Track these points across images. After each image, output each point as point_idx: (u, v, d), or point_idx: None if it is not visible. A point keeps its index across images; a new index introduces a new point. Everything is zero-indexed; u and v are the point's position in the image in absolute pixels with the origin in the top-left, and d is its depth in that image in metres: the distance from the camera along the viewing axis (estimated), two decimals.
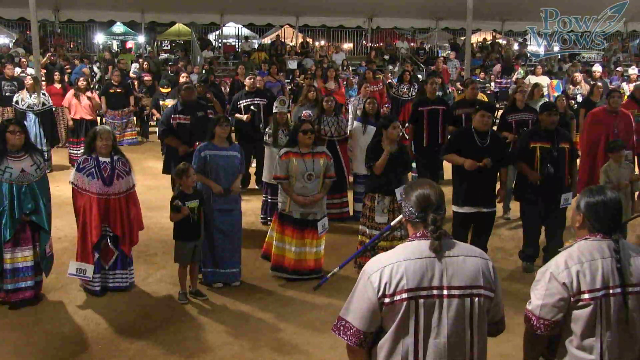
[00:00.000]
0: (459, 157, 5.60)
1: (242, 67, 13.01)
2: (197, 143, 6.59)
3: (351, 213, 7.67)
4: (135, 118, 12.81)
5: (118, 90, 11.67)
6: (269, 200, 7.30)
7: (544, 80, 13.68)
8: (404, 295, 2.25)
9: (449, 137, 6.04)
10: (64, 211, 6.45)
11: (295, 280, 5.64)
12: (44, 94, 9.94)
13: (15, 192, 4.93)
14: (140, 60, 16.61)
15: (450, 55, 19.22)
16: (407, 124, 8.07)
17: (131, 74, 15.04)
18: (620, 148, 6.13)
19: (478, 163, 5.47)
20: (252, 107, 8.51)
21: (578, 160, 6.77)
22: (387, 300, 2.26)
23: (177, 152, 6.90)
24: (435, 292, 2.27)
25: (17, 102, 9.75)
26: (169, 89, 11.95)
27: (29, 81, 9.80)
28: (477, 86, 8.52)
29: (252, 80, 8.78)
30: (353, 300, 2.34)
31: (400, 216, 3.58)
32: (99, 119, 11.08)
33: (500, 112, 9.33)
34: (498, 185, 5.97)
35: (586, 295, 2.44)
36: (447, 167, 7.36)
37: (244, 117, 8.46)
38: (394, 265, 2.28)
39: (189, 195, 5.22)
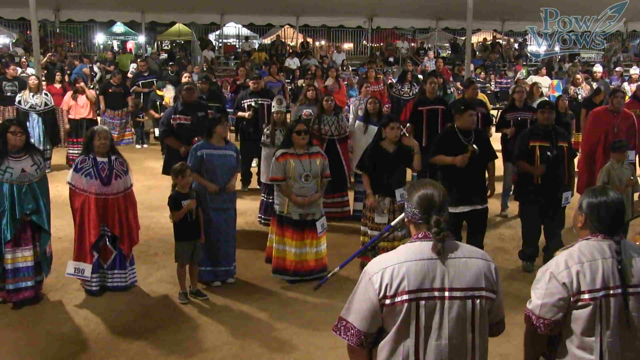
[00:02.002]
0: (448, 157, 5.62)
1: (243, 69, 12.91)
2: (196, 139, 6.59)
3: (351, 212, 7.67)
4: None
5: (117, 91, 11.66)
6: (267, 200, 7.29)
7: (545, 81, 13.68)
8: (405, 297, 2.24)
9: (434, 140, 6.04)
10: (64, 211, 6.43)
11: (296, 281, 5.65)
12: (46, 94, 9.93)
13: (15, 192, 4.93)
14: (139, 60, 16.48)
15: (429, 55, 19.21)
16: (407, 124, 8.06)
17: (129, 74, 14.99)
18: (625, 148, 6.12)
19: (467, 154, 5.51)
20: (254, 105, 8.50)
21: (576, 160, 6.76)
22: (387, 301, 2.25)
23: (177, 153, 6.88)
24: (436, 293, 2.27)
25: (19, 102, 9.72)
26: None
27: (33, 81, 9.77)
28: (477, 86, 8.57)
29: (257, 84, 8.76)
30: (354, 301, 2.34)
31: (401, 216, 3.56)
32: (98, 119, 11.01)
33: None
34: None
35: (586, 296, 2.44)
36: None
37: (246, 114, 8.45)
38: (396, 266, 2.27)
39: (185, 195, 5.22)
